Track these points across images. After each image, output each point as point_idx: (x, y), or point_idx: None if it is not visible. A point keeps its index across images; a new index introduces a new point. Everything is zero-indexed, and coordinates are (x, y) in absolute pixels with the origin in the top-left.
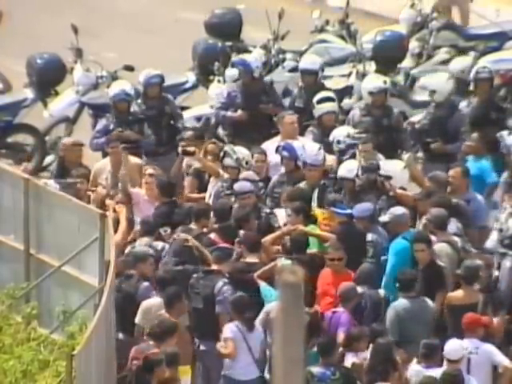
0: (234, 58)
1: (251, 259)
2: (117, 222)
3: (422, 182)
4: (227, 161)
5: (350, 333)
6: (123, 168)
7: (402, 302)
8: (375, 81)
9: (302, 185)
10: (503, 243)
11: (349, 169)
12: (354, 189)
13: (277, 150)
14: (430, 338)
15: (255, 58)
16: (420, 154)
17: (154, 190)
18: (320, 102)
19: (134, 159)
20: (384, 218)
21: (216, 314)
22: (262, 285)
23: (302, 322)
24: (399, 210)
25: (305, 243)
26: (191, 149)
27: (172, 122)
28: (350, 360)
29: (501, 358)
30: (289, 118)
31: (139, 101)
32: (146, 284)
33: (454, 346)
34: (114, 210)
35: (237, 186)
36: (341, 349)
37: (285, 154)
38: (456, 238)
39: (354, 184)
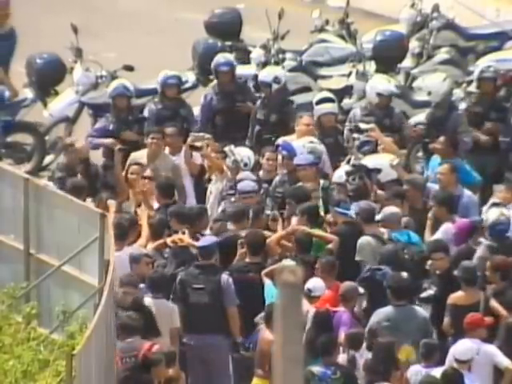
0: (217, 59)
1: (254, 259)
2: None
3: None
4: (227, 161)
5: (356, 333)
6: (158, 160)
7: (386, 310)
8: (386, 83)
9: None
10: (484, 234)
11: (339, 175)
12: (347, 193)
13: (276, 149)
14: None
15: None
16: (420, 154)
17: (151, 191)
18: (319, 102)
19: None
20: (376, 216)
21: (224, 307)
22: (267, 283)
23: (301, 321)
24: (391, 209)
25: (309, 244)
26: (198, 144)
27: (186, 125)
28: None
29: (502, 359)
30: (306, 118)
31: (156, 99)
32: (141, 285)
33: (465, 347)
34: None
35: (240, 186)
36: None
37: (284, 153)
38: (383, 230)
39: (345, 189)
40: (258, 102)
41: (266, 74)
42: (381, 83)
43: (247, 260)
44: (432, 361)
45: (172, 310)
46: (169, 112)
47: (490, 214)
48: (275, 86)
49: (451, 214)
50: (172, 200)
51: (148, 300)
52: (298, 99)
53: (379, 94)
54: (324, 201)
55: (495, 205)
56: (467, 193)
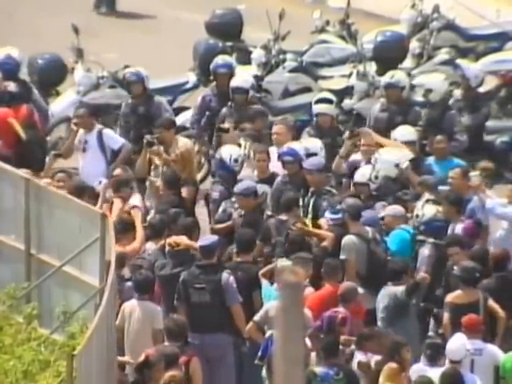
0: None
1: (244, 258)
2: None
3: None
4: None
5: (361, 333)
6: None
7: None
8: (397, 75)
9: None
10: (419, 229)
11: (362, 173)
12: (370, 193)
13: (279, 158)
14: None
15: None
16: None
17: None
18: (317, 102)
19: (185, 141)
20: (380, 213)
21: (226, 306)
22: (264, 283)
23: (302, 321)
24: (394, 207)
25: (303, 243)
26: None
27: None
28: (358, 358)
29: None
30: (276, 127)
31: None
32: (129, 284)
33: (455, 347)
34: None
35: (237, 187)
36: (352, 347)
37: (289, 158)
38: (368, 229)
39: (368, 188)
40: (224, 109)
41: (244, 80)
42: (391, 75)
43: (238, 259)
44: (436, 361)
45: (156, 312)
46: (127, 109)
47: (427, 210)
48: (251, 93)
49: (460, 214)
50: (177, 191)
51: (133, 301)
52: (299, 100)
53: (387, 86)
54: (314, 207)
55: (430, 201)
56: (476, 198)
